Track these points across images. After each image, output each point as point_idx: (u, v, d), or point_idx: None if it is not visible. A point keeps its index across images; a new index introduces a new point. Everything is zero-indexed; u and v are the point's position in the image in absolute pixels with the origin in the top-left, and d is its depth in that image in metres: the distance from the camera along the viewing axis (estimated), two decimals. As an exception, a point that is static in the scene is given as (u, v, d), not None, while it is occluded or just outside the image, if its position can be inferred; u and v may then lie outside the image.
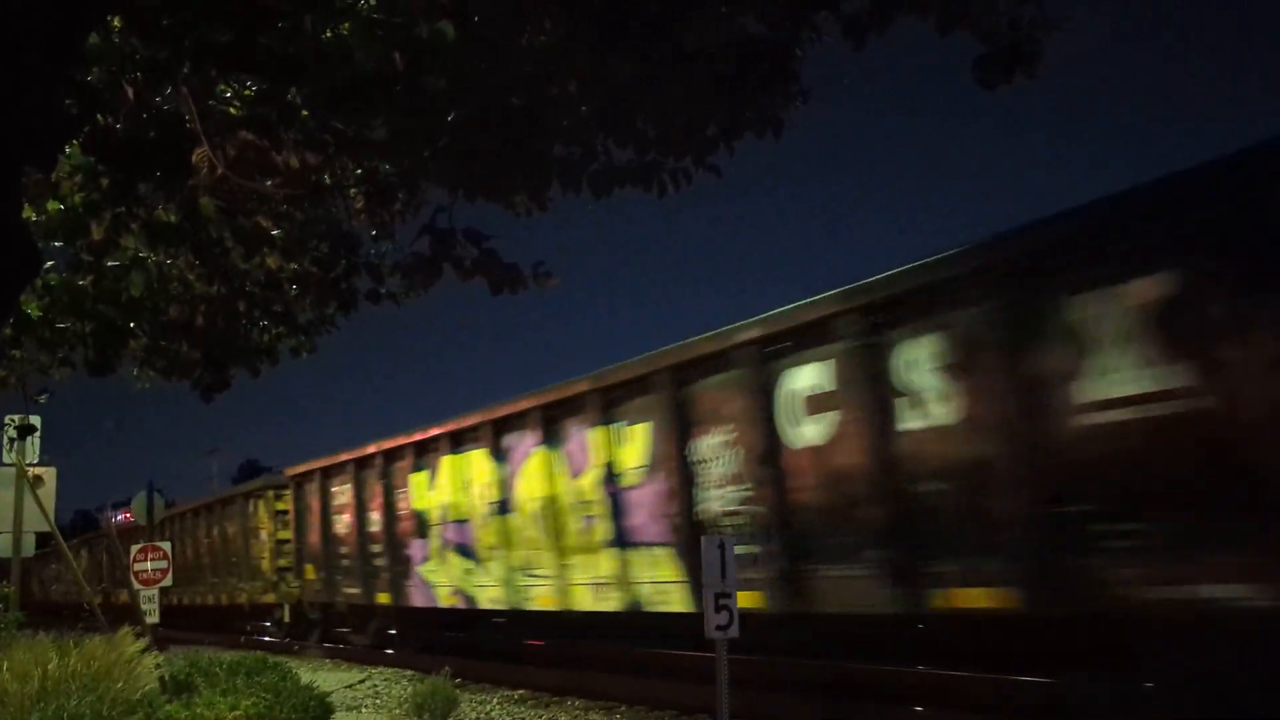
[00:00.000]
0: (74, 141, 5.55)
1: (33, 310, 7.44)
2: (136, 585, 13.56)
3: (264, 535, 21.25)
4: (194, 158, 5.39)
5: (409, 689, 11.92)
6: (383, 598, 15.72)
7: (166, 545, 14.41)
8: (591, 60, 5.11)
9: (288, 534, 19.90)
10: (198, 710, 8.45)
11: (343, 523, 16.89)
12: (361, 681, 13.65)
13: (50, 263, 7.16)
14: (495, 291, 6.10)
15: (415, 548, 14.71)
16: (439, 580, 14.14)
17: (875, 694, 8.77)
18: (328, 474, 17.57)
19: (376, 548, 15.74)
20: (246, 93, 5.78)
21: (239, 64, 5.19)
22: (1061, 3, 5.25)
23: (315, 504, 17.94)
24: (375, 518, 15.69)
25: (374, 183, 6.30)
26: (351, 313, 7.64)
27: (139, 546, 13.86)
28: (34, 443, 13.94)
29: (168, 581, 14.02)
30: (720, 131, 5.51)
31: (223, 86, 5.81)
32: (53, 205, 6.48)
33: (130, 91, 5.26)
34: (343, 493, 16.92)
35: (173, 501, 26.10)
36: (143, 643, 9.31)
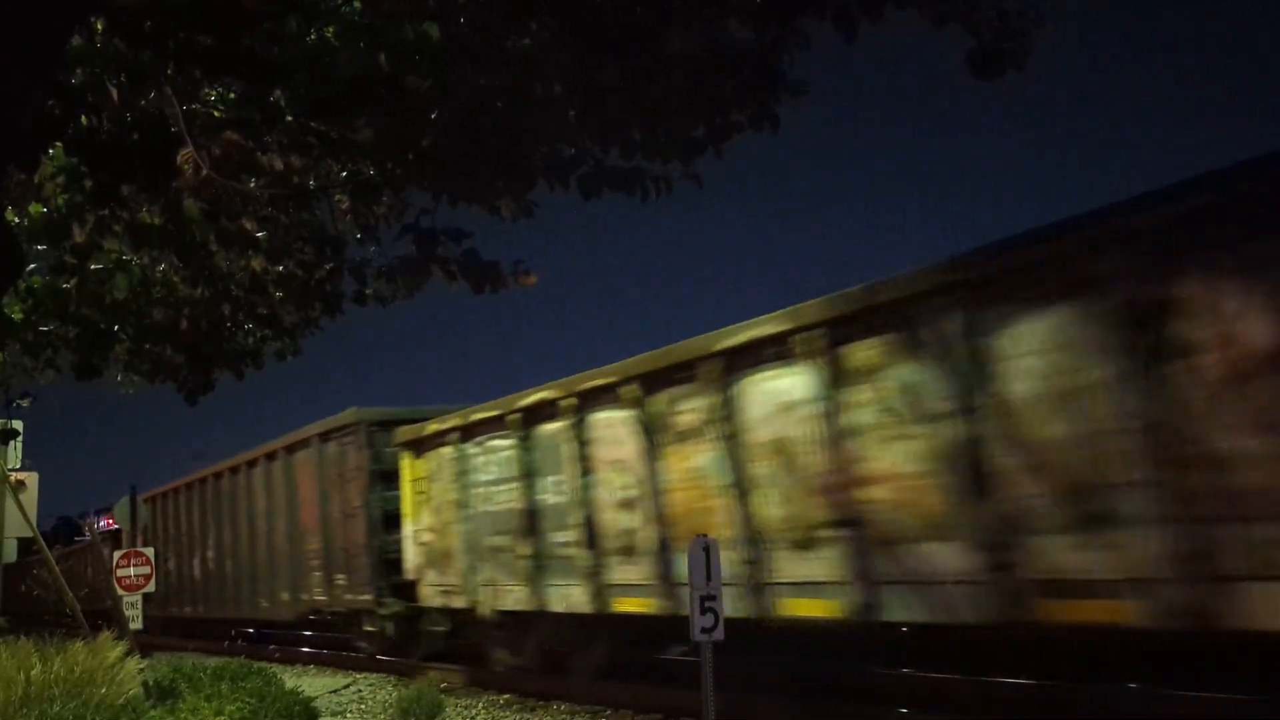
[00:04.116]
0: (57, 143, 5.54)
1: (15, 313, 7.40)
2: (119, 591, 13.50)
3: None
4: (178, 159, 5.38)
5: (394, 694, 11.89)
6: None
7: (149, 551, 14.34)
8: (575, 64, 5.11)
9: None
10: (182, 715, 8.43)
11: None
12: (346, 686, 13.59)
13: (33, 265, 7.13)
14: (477, 291, 6.12)
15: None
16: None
17: (855, 695, 8.80)
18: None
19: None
20: (230, 95, 5.77)
21: (222, 66, 5.18)
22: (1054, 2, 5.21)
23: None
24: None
25: (358, 185, 6.30)
26: (336, 315, 7.62)
27: (122, 552, 13.79)
28: (16, 447, 13.85)
29: (150, 588, 13.95)
30: (708, 133, 5.49)
31: (207, 89, 5.80)
32: (35, 208, 6.44)
33: (114, 93, 5.25)
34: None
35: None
36: (124, 646, 9.27)
